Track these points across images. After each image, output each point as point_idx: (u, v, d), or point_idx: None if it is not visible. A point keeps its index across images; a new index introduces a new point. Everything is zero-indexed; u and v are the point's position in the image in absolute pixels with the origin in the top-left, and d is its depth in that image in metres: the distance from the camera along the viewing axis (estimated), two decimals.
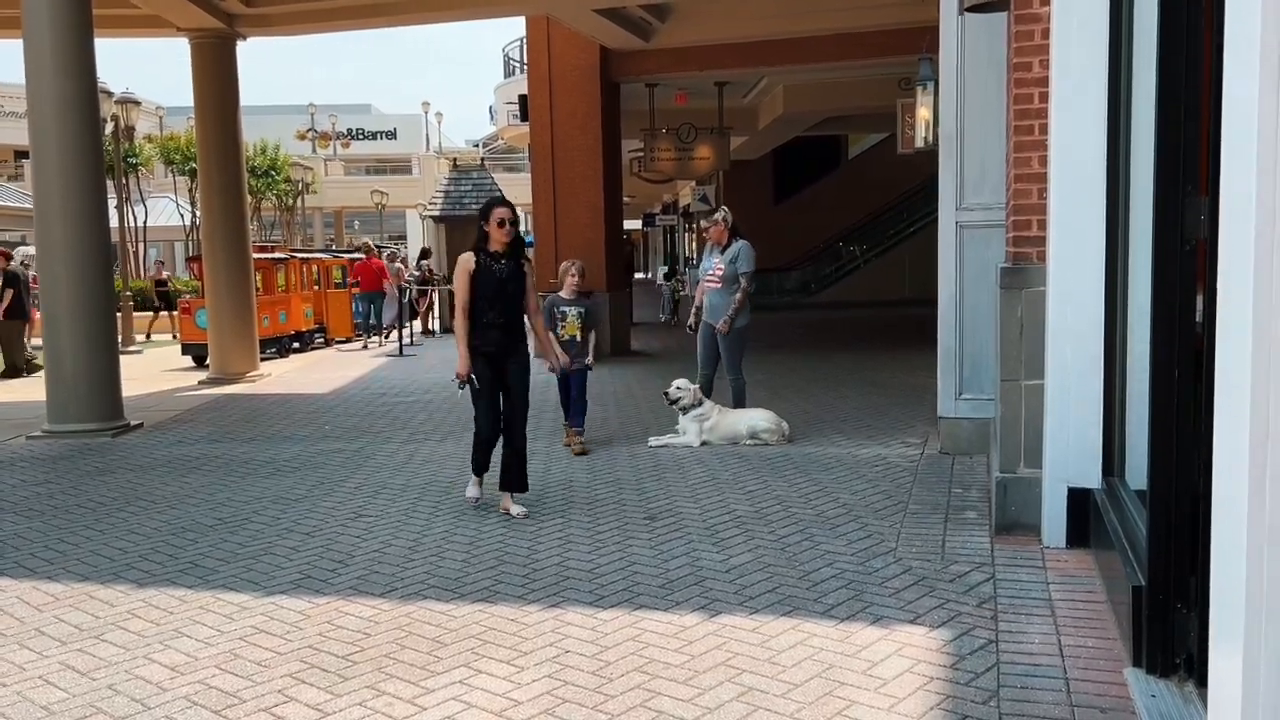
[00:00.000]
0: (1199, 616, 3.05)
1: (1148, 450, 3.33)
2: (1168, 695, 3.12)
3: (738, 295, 7.85)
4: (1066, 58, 4.39)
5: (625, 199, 19.04)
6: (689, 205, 30.84)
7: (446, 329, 20.12)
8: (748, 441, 7.50)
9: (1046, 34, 4.63)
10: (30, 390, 11.53)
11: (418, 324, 19.59)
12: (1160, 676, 3.21)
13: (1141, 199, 4.00)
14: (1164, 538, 3.22)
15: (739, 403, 8.02)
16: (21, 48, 8.73)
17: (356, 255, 20.67)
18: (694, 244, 34.62)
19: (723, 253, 7.98)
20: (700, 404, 7.68)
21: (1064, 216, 4.46)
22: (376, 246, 22.26)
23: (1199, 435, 3.00)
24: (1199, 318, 3.03)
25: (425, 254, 21.72)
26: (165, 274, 23.30)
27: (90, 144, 8.93)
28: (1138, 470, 4.17)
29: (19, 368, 14.03)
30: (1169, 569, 3.20)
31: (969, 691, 3.28)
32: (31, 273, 14.86)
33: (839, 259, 25.99)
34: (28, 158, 8.89)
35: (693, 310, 8.29)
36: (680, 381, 7.78)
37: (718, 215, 8.13)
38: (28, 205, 27.74)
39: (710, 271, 8.07)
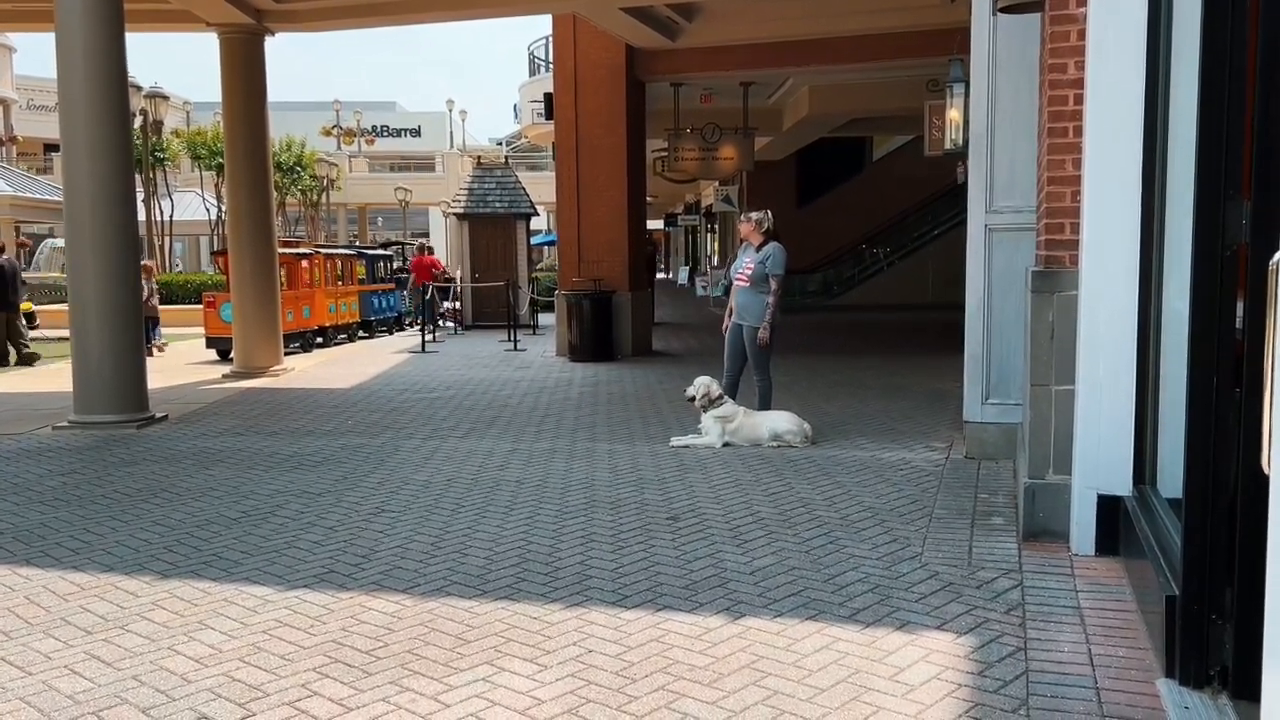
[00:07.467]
0: (1235, 628, 3.00)
1: (1184, 458, 3.28)
2: (1201, 707, 3.07)
3: (770, 299, 7.82)
4: (1103, 59, 4.33)
5: (648, 199, 19.05)
6: (711, 206, 30.85)
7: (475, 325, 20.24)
8: (770, 443, 7.46)
9: (1083, 35, 4.57)
10: (57, 381, 11.63)
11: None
12: (1194, 688, 3.16)
13: (1178, 202, 3.94)
14: (1199, 547, 3.17)
15: (765, 404, 7.99)
16: (53, 41, 8.81)
17: (382, 252, 20.92)
18: (715, 244, 34.60)
19: (757, 251, 7.96)
20: (720, 402, 7.64)
21: (1098, 220, 4.40)
22: (403, 243, 22.47)
23: (1237, 444, 2.96)
24: (1239, 324, 2.98)
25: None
26: None
27: (120, 138, 8.98)
28: (1170, 478, 4.11)
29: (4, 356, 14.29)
30: (1204, 579, 3.15)
31: (997, 699, 3.24)
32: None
33: (862, 261, 25.88)
34: (57, 151, 8.99)
35: (726, 313, 8.26)
36: (699, 379, 7.73)
37: (755, 215, 8.09)
38: (57, 198, 28.03)
39: (741, 270, 8.05)
